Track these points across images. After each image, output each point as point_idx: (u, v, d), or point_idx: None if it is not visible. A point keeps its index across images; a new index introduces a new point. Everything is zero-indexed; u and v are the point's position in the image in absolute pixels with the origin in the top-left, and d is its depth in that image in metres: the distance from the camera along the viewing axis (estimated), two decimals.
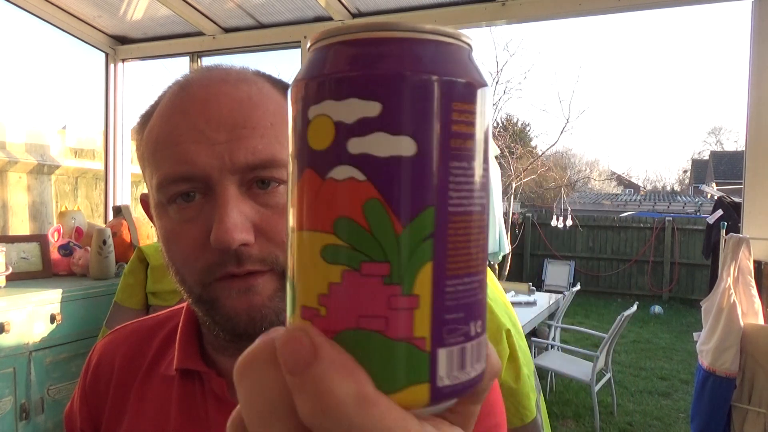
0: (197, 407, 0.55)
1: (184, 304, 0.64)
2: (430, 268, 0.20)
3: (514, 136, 10.51)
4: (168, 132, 0.49)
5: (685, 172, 36.24)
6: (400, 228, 0.20)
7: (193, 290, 0.50)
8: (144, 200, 0.58)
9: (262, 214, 0.48)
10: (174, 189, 0.48)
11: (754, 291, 1.68)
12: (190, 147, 0.47)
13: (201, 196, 0.48)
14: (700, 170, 28.05)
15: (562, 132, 9.75)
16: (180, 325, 0.59)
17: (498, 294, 1.04)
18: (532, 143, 12.82)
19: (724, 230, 1.78)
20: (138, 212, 3.31)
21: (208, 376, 0.55)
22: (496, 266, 6.00)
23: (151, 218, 0.57)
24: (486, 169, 0.22)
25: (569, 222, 8.79)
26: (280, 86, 0.54)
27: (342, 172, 0.20)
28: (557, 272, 9.16)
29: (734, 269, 1.69)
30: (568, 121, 9.50)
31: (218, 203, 0.46)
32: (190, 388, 0.56)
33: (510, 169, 8.86)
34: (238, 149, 0.47)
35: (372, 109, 0.20)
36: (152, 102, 0.55)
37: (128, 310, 1.19)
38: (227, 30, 2.61)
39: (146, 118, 0.53)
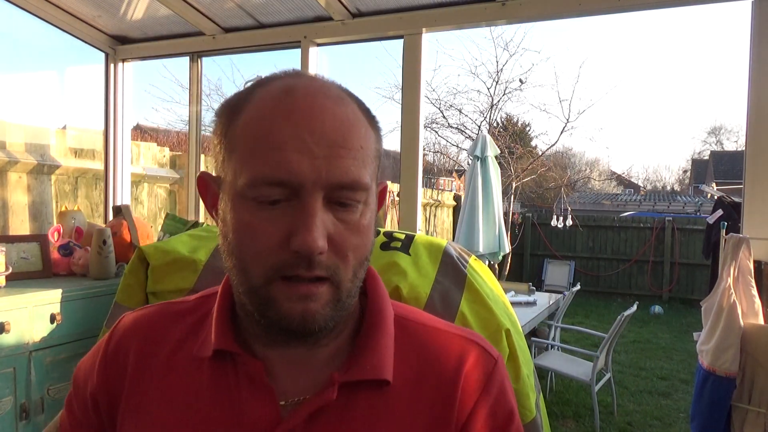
0: (230, 388, 0.58)
1: (209, 291, 0.67)
2: None
3: (514, 136, 10.50)
4: (270, 133, 0.51)
5: (685, 172, 36.20)
6: None
7: (253, 283, 0.52)
8: (205, 179, 0.60)
9: (336, 228, 0.52)
10: (266, 190, 0.50)
11: (754, 291, 1.68)
12: (292, 155, 0.50)
13: (286, 200, 0.51)
14: (700, 170, 28.04)
15: (562, 132, 9.74)
16: (216, 308, 0.61)
17: (498, 294, 1.04)
18: (532, 143, 12.80)
19: (724, 230, 1.78)
20: (138, 212, 3.31)
21: (243, 359, 0.57)
22: (496, 266, 5.99)
23: (204, 197, 0.60)
24: None
25: (569, 222, 8.78)
26: (364, 110, 0.57)
27: None
28: (557, 272, 9.15)
29: (734, 269, 1.69)
30: (568, 121, 9.49)
31: (306, 212, 0.50)
32: (223, 369, 0.58)
33: (510, 169, 8.85)
34: (334, 167, 0.50)
35: None
36: (241, 91, 0.57)
37: (128, 310, 1.19)
38: (227, 30, 2.61)
39: (236, 107, 0.55)
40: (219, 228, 0.57)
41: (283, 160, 0.50)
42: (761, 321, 1.67)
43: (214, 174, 0.59)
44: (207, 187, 0.60)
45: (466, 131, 10.30)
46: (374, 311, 0.62)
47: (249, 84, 0.58)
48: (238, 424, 0.56)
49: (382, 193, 0.61)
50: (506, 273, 7.89)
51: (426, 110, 9.94)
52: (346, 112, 0.53)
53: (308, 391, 0.58)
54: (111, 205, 2.84)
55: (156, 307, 0.68)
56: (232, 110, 0.55)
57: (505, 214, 7.76)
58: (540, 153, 10.86)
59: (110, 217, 2.70)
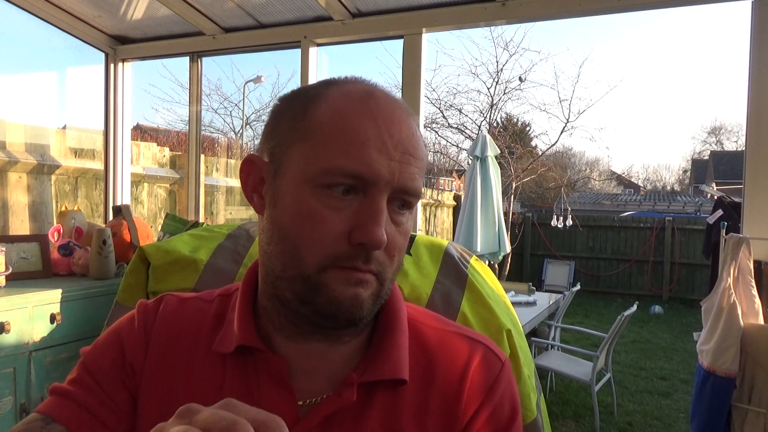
0: (250, 385, 0.58)
1: (226, 290, 0.68)
2: None
3: (514, 136, 10.48)
4: (354, 129, 0.53)
5: (685, 172, 36.18)
6: None
7: (304, 270, 0.53)
8: (254, 161, 0.59)
9: (390, 229, 0.55)
10: (341, 180, 0.52)
11: (754, 291, 1.68)
12: (373, 153, 0.52)
13: (354, 194, 0.53)
14: (700, 170, 28.02)
15: (562, 132, 9.73)
16: (238, 304, 0.62)
17: (499, 294, 1.04)
18: (532, 143, 12.77)
19: (724, 230, 1.78)
20: (138, 212, 3.31)
21: (265, 356, 0.58)
22: (496, 266, 5.99)
23: (246, 179, 0.59)
24: None
25: (569, 222, 8.78)
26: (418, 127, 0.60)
27: None
28: (557, 272, 9.16)
29: (734, 269, 1.69)
30: (568, 121, 9.48)
31: (376, 207, 0.53)
32: (244, 366, 0.59)
33: (510, 169, 8.84)
34: (405, 172, 0.54)
35: None
36: (308, 87, 0.59)
37: (129, 309, 1.20)
38: (227, 30, 2.61)
39: (309, 99, 0.56)
40: (266, 213, 0.57)
41: (366, 155, 0.52)
42: (761, 321, 1.67)
43: (264, 159, 0.59)
44: (252, 169, 0.59)
45: (466, 131, 10.29)
46: (391, 311, 0.63)
47: (317, 82, 0.60)
48: None
49: None
50: (506, 273, 7.89)
51: (426, 110, 9.94)
52: (414, 126, 0.57)
53: (325, 390, 0.58)
54: (111, 205, 2.84)
55: (189, 301, 0.67)
56: (304, 101, 0.57)
57: (505, 214, 7.76)
58: (540, 153, 10.85)
59: (110, 217, 2.70)
